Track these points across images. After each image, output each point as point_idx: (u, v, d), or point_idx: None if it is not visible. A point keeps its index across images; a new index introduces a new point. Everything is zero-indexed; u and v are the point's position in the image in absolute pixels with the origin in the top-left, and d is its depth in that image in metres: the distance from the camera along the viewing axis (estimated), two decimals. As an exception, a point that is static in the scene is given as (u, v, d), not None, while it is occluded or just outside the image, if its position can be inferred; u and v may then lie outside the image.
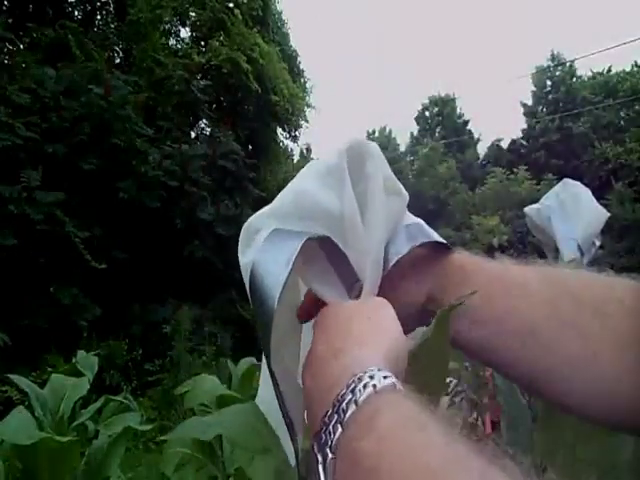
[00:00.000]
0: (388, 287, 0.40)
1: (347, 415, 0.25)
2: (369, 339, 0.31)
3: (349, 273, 0.38)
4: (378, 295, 0.39)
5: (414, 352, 0.37)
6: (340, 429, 0.25)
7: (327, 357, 0.31)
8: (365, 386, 0.25)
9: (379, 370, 0.27)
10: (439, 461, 0.21)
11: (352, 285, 0.39)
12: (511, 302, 0.38)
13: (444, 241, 0.43)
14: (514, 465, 0.23)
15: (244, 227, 0.41)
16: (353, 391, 0.26)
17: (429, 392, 0.38)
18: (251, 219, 0.41)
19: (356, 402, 0.25)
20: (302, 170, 0.42)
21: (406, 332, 0.43)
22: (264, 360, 0.42)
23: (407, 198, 0.45)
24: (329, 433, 0.25)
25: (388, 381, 0.26)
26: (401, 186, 0.44)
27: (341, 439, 0.24)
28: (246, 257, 0.38)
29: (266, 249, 0.36)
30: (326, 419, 0.26)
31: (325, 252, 0.38)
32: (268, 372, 0.37)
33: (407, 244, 0.42)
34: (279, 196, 0.41)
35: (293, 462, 0.38)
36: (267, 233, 0.38)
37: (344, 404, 0.25)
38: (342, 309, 0.35)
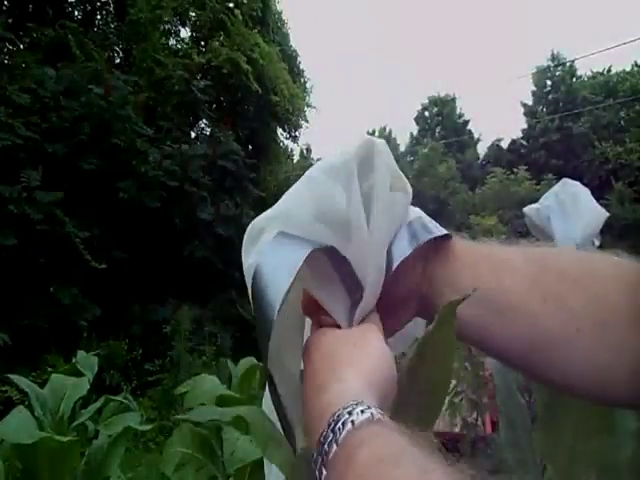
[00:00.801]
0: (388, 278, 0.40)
1: (330, 456, 0.25)
2: (351, 367, 0.31)
3: (352, 279, 0.38)
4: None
5: (419, 347, 0.37)
6: (324, 471, 0.25)
7: (311, 394, 0.31)
8: (344, 424, 0.25)
9: (357, 404, 0.26)
10: None
11: (355, 291, 0.38)
12: (496, 279, 0.38)
13: (445, 232, 0.43)
14: None
15: (249, 228, 0.40)
16: (334, 430, 0.26)
17: (435, 386, 0.38)
18: (256, 220, 0.40)
19: (337, 442, 0.25)
20: (309, 170, 0.41)
21: (406, 321, 0.43)
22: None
23: (411, 194, 0.44)
24: (317, 477, 0.25)
25: (366, 414, 0.26)
26: (407, 182, 0.44)
27: None
28: (250, 258, 0.38)
29: (269, 253, 0.36)
30: (313, 463, 0.26)
31: (329, 259, 0.38)
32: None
33: (410, 244, 0.41)
34: (284, 197, 0.40)
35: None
36: (271, 236, 0.37)
37: (326, 445, 0.25)
38: (325, 340, 0.35)
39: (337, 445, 0.25)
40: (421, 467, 0.22)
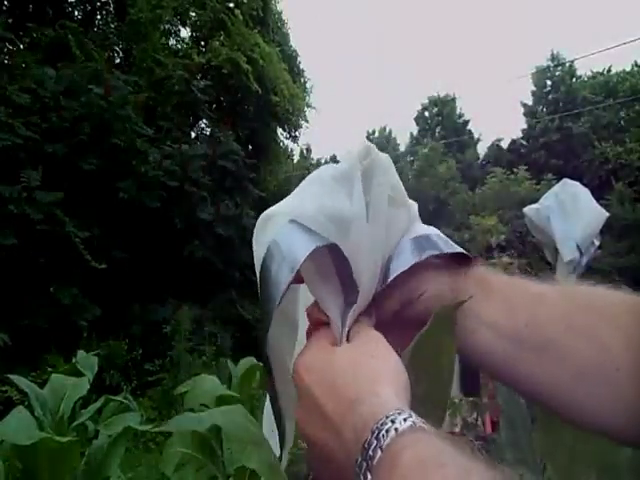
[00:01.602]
0: (397, 293, 0.41)
1: (375, 461, 0.26)
2: (380, 379, 0.32)
3: (350, 280, 0.39)
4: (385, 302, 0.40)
5: (412, 352, 0.37)
6: (369, 476, 0.26)
7: (341, 406, 0.31)
8: (388, 431, 0.27)
9: (399, 413, 0.28)
10: None
11: (350, 292, 0.39)
12: (531, 314, 0.38)
13: (459, 251, 0.42)
14: None
15: (261, 217, 0.42)
16: (377, 437, 0.27)
17: (434, 390, 0.38)
18: (268, 210, 0.41)
19: (381, 448, 0.27)
20: (318, 171, 0.42)
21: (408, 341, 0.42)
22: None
23: (415, 207, 0.45)
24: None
25: (408, 422, 0.27)
26: (407, 198, 0.45)
27: None
28: (262, 240, 0.39)
29: (282, 235, 0.37)
30: (357, 468, 0.27)
31: (331, 257, 0.38)
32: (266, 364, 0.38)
33: (411, 259, 0.41)
34: (295, 192, 0.42)
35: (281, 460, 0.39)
36: (284, 221, 0.38)
37: (370, 450, 0.27)
38: (340, 354, 0.35)
39: (381, 451, 0.26)
40: (462, 467, 0.24)
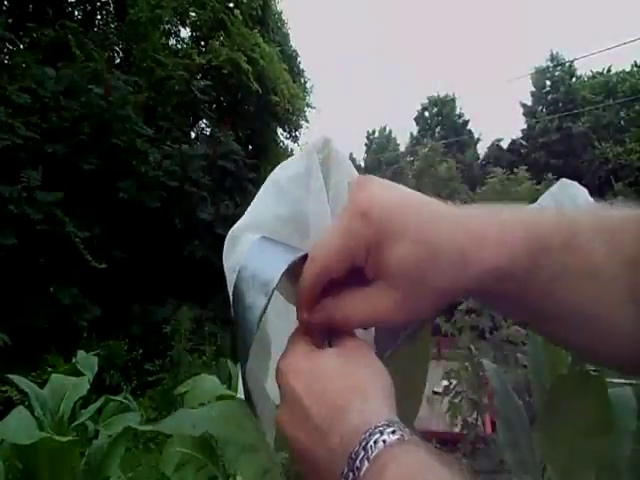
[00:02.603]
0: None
1: (362, 472, 0.26)
2: (369, 388, 0.32)
3: None
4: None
5: (397, 363, 0.38)
6: None
7: (328, 413, 0.31)
8: (376, 442, 0.27)
9: (388, 425, 0.28)
10: None
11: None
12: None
13: None
14: None
15: (228, 236, 0.42)
16: (365, 448, 0.27)
17: (411, 392, 0.39)
18: (233, 228, 0.41)
19: (368, 459, 0.27)
20: (273, 174, 0.42)
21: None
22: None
23: None
24: None
25: (397, 435, 0.27)
26: None
27: None
28: (229, 262, 0.39)
29: (250, 259, 0.37)
30: (342, 478, 0.27)
31: (303, 264, 0.38)
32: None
33: None
34: (254, 203, 0.41)
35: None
36: (249, 240, 0.38)
37: (358, 461, 0.27)
38: (327, 361, 0.34)
39: (369, 462, 0.26)
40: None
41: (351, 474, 0.27)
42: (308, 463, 0.32)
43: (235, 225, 0.41)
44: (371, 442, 0.27)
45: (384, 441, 0.27)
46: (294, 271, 0.36)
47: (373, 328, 0.43)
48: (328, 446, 0.30)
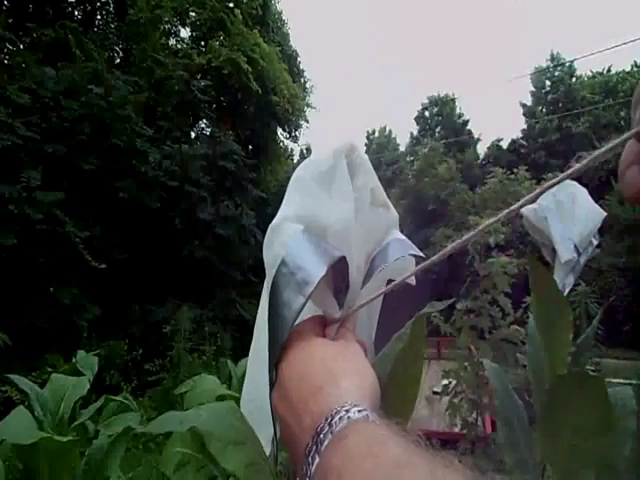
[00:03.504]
0: None
1: (324, 445, 0.27)
2: (348, 378, 0.33)
3: (344, 279, 0.39)
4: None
5: (394, 355, 0.38)
6: (317, 459, 0.27)
7: (305, 394, 0.33)
8: (341, 418, 0.28)
9: (355, 405, 0.29)
10: (391, 462, 0.24)
11: (340, 290, 0.40)
12: None
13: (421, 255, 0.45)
14: (466, 469, 0.25)
15: (269, 228, 0.42)
16: (330, 423, 0.28)
17: (405, 391, 0.39)
18: (274, 221, 0.42)
19: (332, 432, 0.28)
20: (300, 172, 0.42)
21: None
22: (250, 363, 0.43)
23: (397, 216, 0.46)
24: (308, 464, 0.28)
25: (362, 413, 0.28)
26: (388, 201, 0.46)
27: (317, 466, 0.27)
28: (269, 253, 0.40)
29: (290, 257, 0.38)
30: (306, 451, 0.29)
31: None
32: (254, 375, 0.38)
33: (394, 255, 0.44)
34: (285, 201, 0.42)
35: (268, 452, 0.39)
36: (293, 230, 0.39)
37: (322, 435, 0.28)
38: (320, 349, 0.37)
39: (332, 435, 0.27)
40: (404, 446, 0.25)
41: (314, 447, 0.28)
42: (290, 442, 0.34)
43: (275, 219, 0.42)
44: (336, 418, 0.28)
45: (349, 418, 0.28)
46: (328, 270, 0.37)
47: (374, 331, 0.44)
48: (302, 425, 0.32)
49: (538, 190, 0.34)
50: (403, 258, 0.44)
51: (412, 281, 0.46)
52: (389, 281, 0.46)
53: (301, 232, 0.38)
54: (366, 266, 0.43)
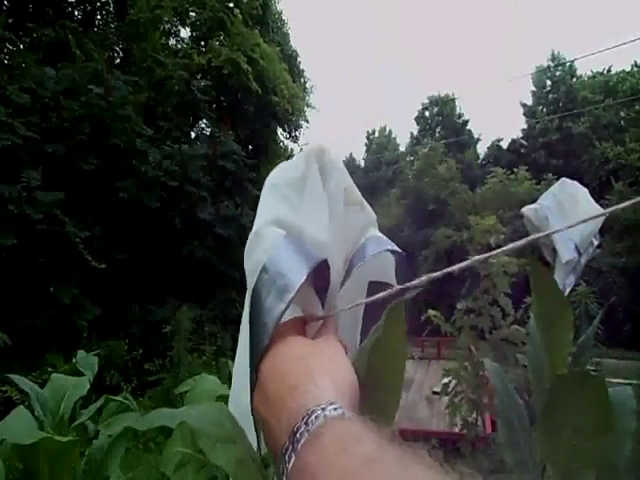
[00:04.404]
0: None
1: (300, 444, 0.27)
2: (326, 376, 0.33)
3: (324, 280, 0.40)
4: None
5: (371, 352, 0.38)
6: (294, 457, 0.27)
7: (282, 392, 0.33)
8: (317, 417, 0.28)
9: (331, 404, 0.29)
10: (365, 458, 0.24)
11: (322, 290, 0.40)
12: None
13: (398, 250, 0.46)
14: (437, 464, 0.25)
15: (250, 235, 0.42)
16: (306, 422, 0.28)
17: (387, 384, 0.39)
18: (254, 228, 0.42)
19: (308, 431, 0.28)
20: (273, 178, 0.43)
21: None
22: (235, 371, 0.44)
23: (374, 215, 0.47)
24: (285, 462, 0.28)
25: (338, 412, 0.28)
26: (363, 200, 0.46)
27: (294, 464, 0.27)
28: (250, 260, 0.40)
29: (271, 263, 0.38)
30: (283, 450, 0.29)
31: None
32: (238, 383, 0.38)
33: (370, 252, 0.44)
34: (260, 207, 0.43)
35: (257, 450, 0.40)
36: (275, 234, 0.39)
37: (298, 434, 0.28)
38: (299, 347, 0.37)
39: (308, 434, 0.28)
40: (378, 443, 0.25)
41: (291, 446, 0.28)
42: (270, 441, 0.34)
43: (255, 225, 0.42)
44: (312, 417, 0.28)
45: (325, 416, 0.28)
46: (308, 275, 0.37)
47: (359, 330, 0.44)
48: (280, 423, 0.32)
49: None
50: (380, 256, 0.44)
51: (392, 280, 0.47)
52: (371, 282, 0.46)
53: (283, 237, 0.39)
54: (345, 266, 0.43)
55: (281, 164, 0.44)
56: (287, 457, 0.28)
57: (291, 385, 0.33)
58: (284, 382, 0.34)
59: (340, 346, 0.38)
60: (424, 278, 0.39)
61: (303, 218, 0.39)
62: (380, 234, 0.47)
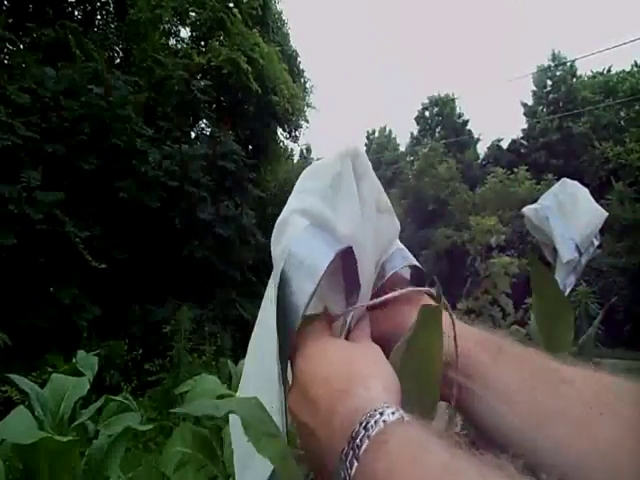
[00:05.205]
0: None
1: (362, 449, 0.27)
2: (376, 379, 0.33)
3: (354, 280, 0.39)
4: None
5: (402, 353, 0.37)
6: (356, 463, 0.27)
7: (330, 398, 0.32)
8: (376, 422, 0.28)
9: (387, 407, 0.29)
10: (441, 468, 0.24)
11: (352, 292, 0.40)
12: (551, 392, 0.38)
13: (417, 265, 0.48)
14: (515, 471, 0.24)
15: (277, 222, 0.42)
16: (366, 427, 0.28)
17: (421, 390, 0.39)
18: (282, 215, 0.41)
19: (369, 437, 0.27)
20: (306, 175, 0.42)
21: None
22: (247, 364, 0.43)
23: (399, 225, 0.47)
24: (346, 469, 0.27)
25: (396, 415, 0.28)
26: (392, 208, 0.46)
27: (357, 470, 0.27)
28: (277, 247, 0.40)
29: (298, 247, 0.38)
30: (343, 456, 0.28)
31: (341, 259, 0.39)
32: (255, 376, 0.38)
33: (402, 262, 0.45)
34: (297, 197, 0.42)
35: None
36: (299, 224, 0.39)
37: (358, 440, 0.28)
38: (339, 351, 0.36)
39: (369, 440, 0.27)
40: (449, 452, 0.25)
41: (351, 452, 0.28)
42: (312, 445, 0.33)
43: (282, 213, 0.41)
44: (372, 422, 0.28)
45: (384, 421, 0.28)
46: (334, 262, 0.37)
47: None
48: (329, 428, 0.31)
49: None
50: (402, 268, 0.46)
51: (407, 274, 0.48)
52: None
53: (309, 225, 0.38)
54: (376, 271, 0.43)
55: (315, 162, 0.43)
56: (348, 463, 0.28)
57: (340, 389, 0.32)
58: (329, 385, 0.33)
59: (380, 350, 0.37)
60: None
61: (334, 212, 0.39)
62: (402, 245, 0.48)
